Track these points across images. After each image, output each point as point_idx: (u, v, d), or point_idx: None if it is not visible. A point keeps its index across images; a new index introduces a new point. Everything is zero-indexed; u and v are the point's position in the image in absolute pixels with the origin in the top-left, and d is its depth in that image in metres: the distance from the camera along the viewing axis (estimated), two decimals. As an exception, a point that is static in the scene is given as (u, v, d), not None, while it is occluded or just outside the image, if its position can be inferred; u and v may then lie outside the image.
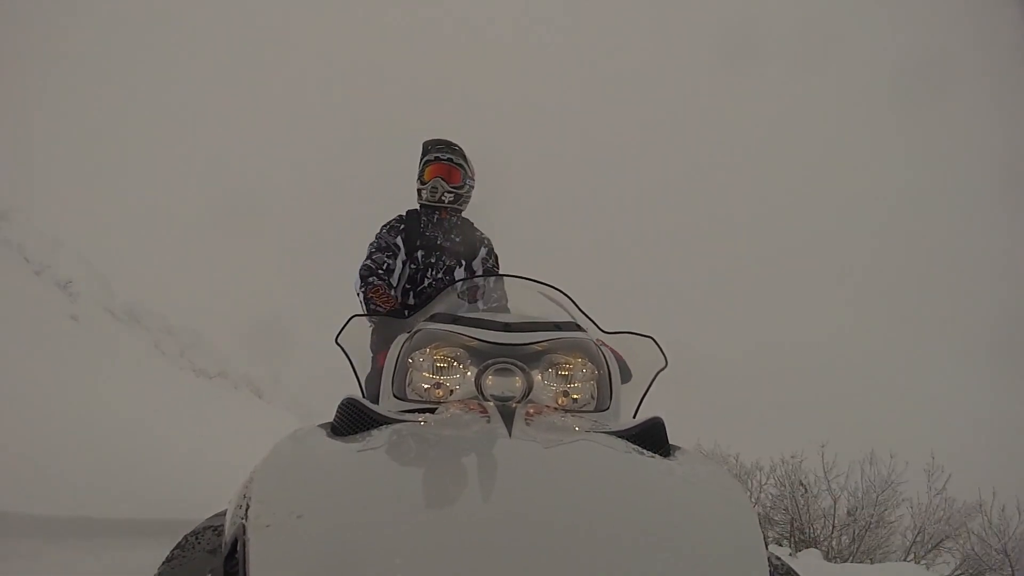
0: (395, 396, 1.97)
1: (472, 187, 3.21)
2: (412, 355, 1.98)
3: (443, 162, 3.10)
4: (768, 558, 1.13)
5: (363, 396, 2.21)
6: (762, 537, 1.15)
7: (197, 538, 1.28)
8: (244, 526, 1.02)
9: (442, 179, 3.07)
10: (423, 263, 3.08)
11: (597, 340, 2.13)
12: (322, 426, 1.52)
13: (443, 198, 3.08)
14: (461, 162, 3.14)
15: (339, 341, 2.39)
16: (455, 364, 1.94)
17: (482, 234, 3.28)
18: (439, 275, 3.09)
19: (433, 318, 2.14)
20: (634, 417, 2.18)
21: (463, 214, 3.24)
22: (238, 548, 1.00)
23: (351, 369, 2.41)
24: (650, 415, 1.58)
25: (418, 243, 3.08)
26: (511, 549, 0.94)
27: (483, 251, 3.22)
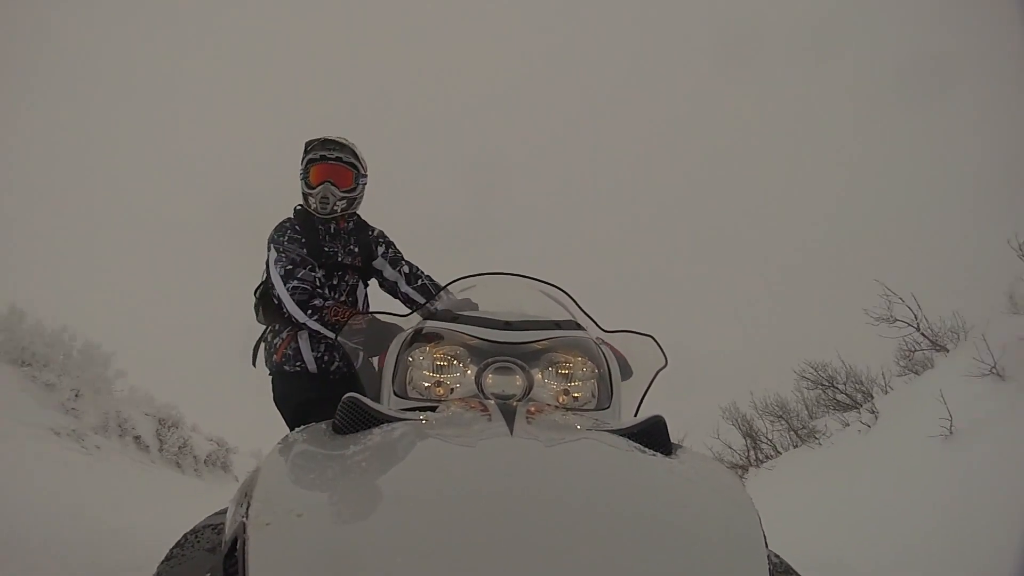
0: (396, 394, 1.97)
1: (365, 184, 2.93)
2: (412, 353, 1.98)
3: (331, 163, 2.78)
4: (768, 556, 1.13)
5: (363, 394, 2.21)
6: (762, 535, 1.15)
7: (197, 536, 1.28)
8: (244, 524, 1.01)
9: (331, 184, 2.77)
10: (322, 283, 2.77)
11: (597, 338, 2.13)
12: (324, 424, 1.52)
13: (335, 208, 2.80)
14: (351, 160, 2.84)
15: (339, 339, 2.40)
16: (455, 362, 1.94)
17: (373, 230, 3.04)
18: (342, 297, 2.87)
19: (434, 316, 2.14)
20: (635, 416, 2.18)
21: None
22: (238, 546, 0.99)
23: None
24: (651, 414, 1.58)
25: (321, 260, 2.78)
26: (513, 547, 0.94)
27: (380, 249, 3.02)
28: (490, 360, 1.90)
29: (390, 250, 3.05)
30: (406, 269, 3.05)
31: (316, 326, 2.58)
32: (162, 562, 1.22)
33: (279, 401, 2.83)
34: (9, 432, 6.69)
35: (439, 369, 1.94)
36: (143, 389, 11.65)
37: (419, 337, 2.01)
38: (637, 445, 1.38)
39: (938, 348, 6.60)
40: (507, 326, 1.99)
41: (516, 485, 1.13)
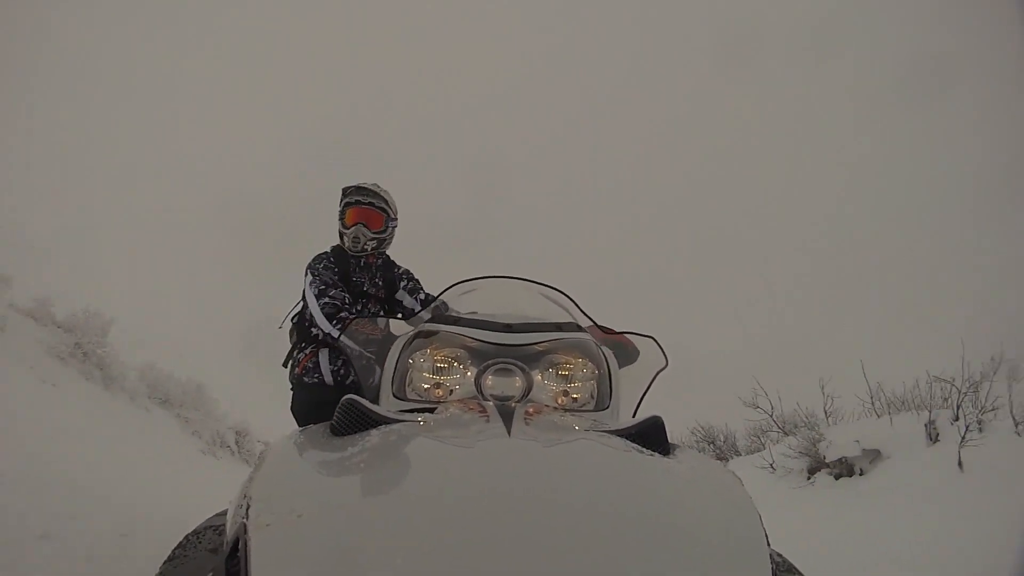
0: (395, 396, 1.97)
1: (395, 228, 3.25)
2: (412, 355, 1.98)
3: (364, 207, 3.10)
4: (771, 555, 1.13)
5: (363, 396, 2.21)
6: (764, 534, 1.15)
7: (198, 537, 1.28)
8: (245, 525, 1.02)
9: (363, 225, 3.08)
10: (351, 303, 3.06)
11: (596, 339, 2.13)
12: (322, 426, 1.52)
13: (366, 247, 3.11)
14: (383, 206, 3.14)
15: (341, 341, 2.40)
16: (455, 364, 1.94)
17: (399, 269, 3.33)
18: None
19: (434, 319, 2.14)
20: (634, 416, 2.18)
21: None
22: (239, 547, 1.00)
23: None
24: (649, 414, 1.58)
25: (349, 288, 3.09)
26: (511, 548, 0.94)
27: (402, 283, 3.29)
28: (490, 362, 1.90)
29: (410, 283, 3.33)
30: (422, 296, 3.31)
31: (345, 341, 2.79)
32: (164, 563, 1.22)
33: (295, 409, 3.06)
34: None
35: (439, 371, 1.94)
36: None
37: (419, 339, 2.02)
38: (635, 446, 1.38)
39: (786, 432, 7.94)
40: (507, 328, 2.00)
41: (514, 486, 1.13)
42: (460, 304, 2.37)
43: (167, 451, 7.66)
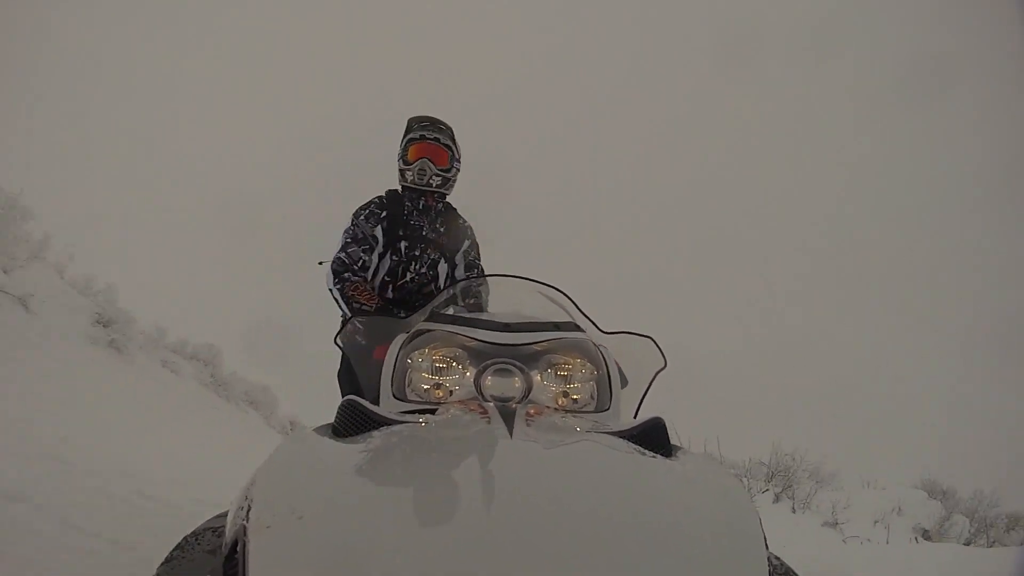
0: (395, 397, 1.97)
1: (458, 170, 3.01)
2: (411, 356, 1.98)
3: (429, 142, 2.88)
4: (768, 558, 1.13)
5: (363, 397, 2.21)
6: (762, 537, 1.15)
7: (197, 539, 1.28)
8: (244, 527, 1.01)
9: (429, 160, 2.85)
10: (406, 255, 2.89)
11: (595, 340, 2.13)
12: (323, 427, 1.52)
13: (431, 181, 2.88)
14: (449, 143, 2.93)
15: (338, 341, 2.40)
16: (454, 364, 1.93)
17: (465, 222, 3.09)
18: (422, 269, 2.93)
19: (432, 318, 2.14)
20: (634, 417, 2.18)
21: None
22: (238, 549, 1.00)
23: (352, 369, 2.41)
24: (650, 415, 1.58)
25: (401, 232, 2.89)
26: (513, 550, 0.94)
27: (466, 243, 3.06)
28: (489, 362, 1.90)
29: (472, 251, 3.09)
30: (473, 274, 3.07)
31: (336, 295, 2.75)
32: (161, 564, 1.21)
33: (340, 375, 2.91)
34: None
35: (438, 371, 1.94)
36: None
37: (418, 339, 2.01)
38: (637, 447, 1.38)
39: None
40: (506, 328, 1.99)
41: (515, 488, 1.13)
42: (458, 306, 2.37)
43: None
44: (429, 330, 2.03)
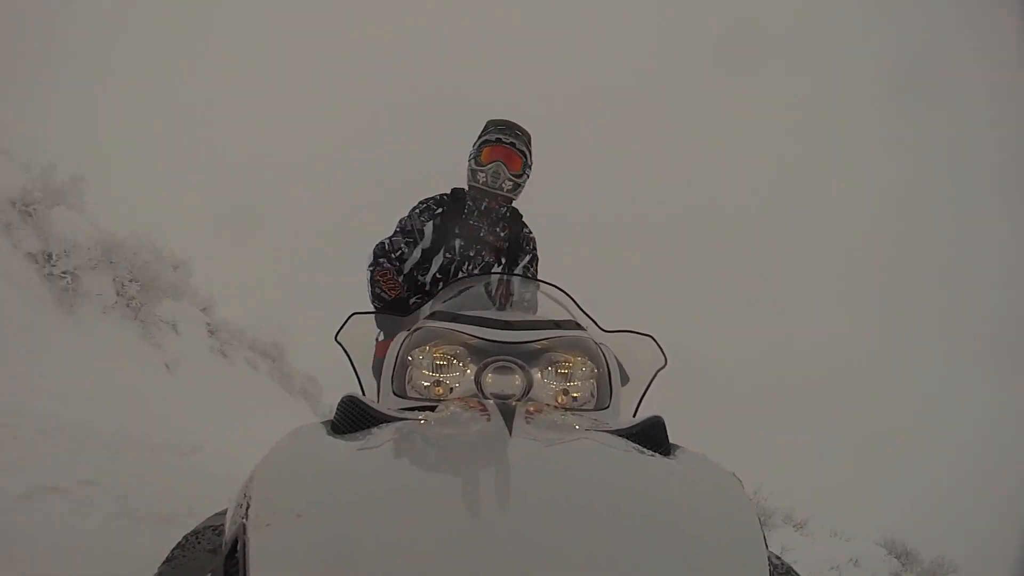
0: (395, 394, 1.97)
1: (528, 177, 2.96)
2: (412, 352, 1.98)
3: (505, 146, 2.84)
4: (768, 557, 1.13)
5: (363, 394, 2.21)
6: (762, 536, 1.15)
7: (197, 538, 1.28)
8: (244, 525, 1.01)
9: (503, 164, 2.81)
10: (460, 254, 2.85)
11: (595, 338, 2.13)
12: (322, 424, 1.52)
13: (503, 185, 2.83)
14: (524, 149, 2.89)
15: (339, 339, 2.39)
16: (455, 362, 1.94)
17: (530, 232, 3.03)
18: (475, 270, 2.88)
19: (433, 316, 2.14)
20: (634, 416, 2.18)
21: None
22: (238, 547, 1.00)
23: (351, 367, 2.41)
24: (650, 414, 1.58)
25: (457, 231, 2.85)
26: (513, 548, 0.94)
27: (527, 257, 2.98)
28: (489, 360, 1.90)
29: (532, 267, 3.02)
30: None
31: (368, 276, 2.82)
32: (162, 563, 1.21)
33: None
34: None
35: (438, 368, 1.94)
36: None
37: (418, 336, 2.01)
38: (636, 446, 1.38)
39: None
40: (507, 325, 1.99)
41: (515, 486, 1.13)
42: (459, 301, 2.37)
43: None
44: (430, 327, 2.03)
